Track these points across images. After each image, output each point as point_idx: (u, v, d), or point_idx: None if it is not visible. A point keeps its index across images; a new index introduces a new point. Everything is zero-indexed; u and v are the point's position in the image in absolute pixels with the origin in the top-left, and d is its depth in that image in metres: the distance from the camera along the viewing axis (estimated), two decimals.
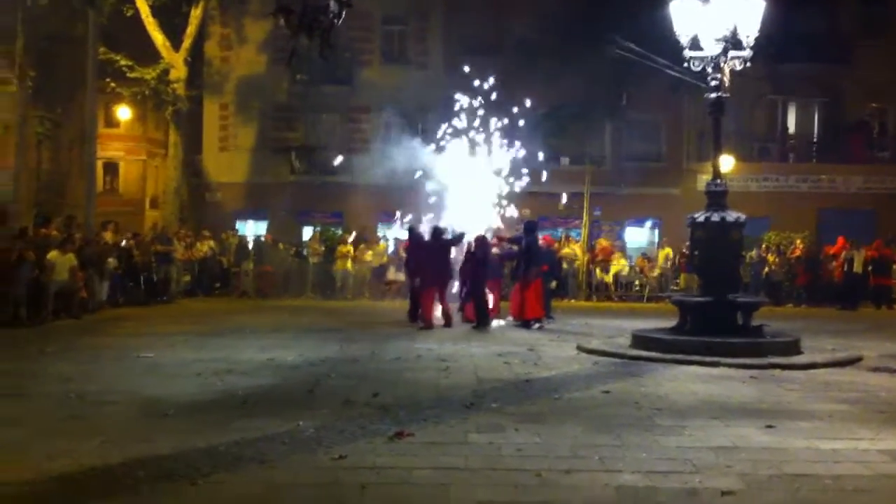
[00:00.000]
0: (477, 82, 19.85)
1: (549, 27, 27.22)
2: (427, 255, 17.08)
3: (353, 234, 26.65)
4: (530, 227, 17.82)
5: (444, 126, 19.91)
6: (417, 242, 17.60)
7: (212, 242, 26.14)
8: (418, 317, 16.96)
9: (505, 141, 19.88)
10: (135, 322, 17.36)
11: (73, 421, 7.72)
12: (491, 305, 17.72)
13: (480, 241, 17.47)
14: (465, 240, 17.61)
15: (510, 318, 17.59)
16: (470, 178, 19.18)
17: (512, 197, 20.21)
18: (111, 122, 36.46)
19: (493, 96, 19.84)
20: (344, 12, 19.19)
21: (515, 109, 20.06)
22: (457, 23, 30.67)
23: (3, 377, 10.22)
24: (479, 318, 16.88)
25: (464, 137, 19.68)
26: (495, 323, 17.30)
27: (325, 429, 7.40)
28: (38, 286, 17.15)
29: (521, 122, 20.24)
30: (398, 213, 20.93)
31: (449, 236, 17.34)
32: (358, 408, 8.34)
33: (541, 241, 18.45)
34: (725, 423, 7.84)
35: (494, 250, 18.41)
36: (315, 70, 26.04)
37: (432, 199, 19.43)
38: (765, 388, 9.90)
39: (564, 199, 22.87)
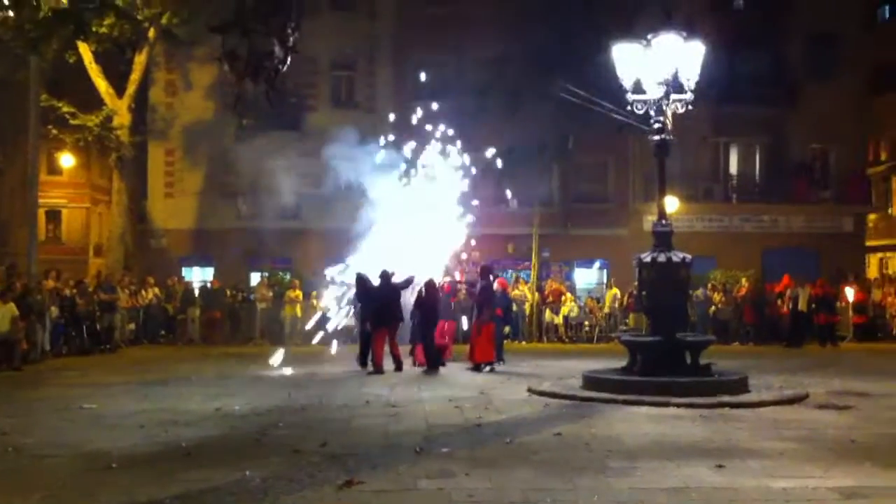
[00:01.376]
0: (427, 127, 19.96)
1: (498, 72, 27.48)
2: (376, 299, 16.99)
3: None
4: (486, 271, 17.85)
5: (393, 169, 19.92)
6: (365, 287, 17.50)
7: (157, 289, 25.74)
8: (367, 361, 16.81)
9: (454, 183, 19.95)
10: (77, 372, 16.96)
11: (12, 475, 7.49)
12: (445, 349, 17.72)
13: (430, 285, 17.44)
14: (415, 283, 17.58)
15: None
16: (420, 221, 19.15)
17: (462, 239, 20.23)
18: (54, 169, 35.99)
19: (441, 140, 19.93)
20: (290, 58, 19.19)
21: (458, 150, 20.17)
22: (405, 67, 30.84)
23: None
24: (430, 362, 16.79)
25: (414, 180, 19.71)
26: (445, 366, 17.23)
27: (273, 479, 7.27)
28: None
29: (470, 165, 20.33)
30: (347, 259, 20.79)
31: (398, 280, 17.30)
32: (307, 456, 8.21)
33: (496, 285, 18.49)
34: (677, 463, 7.84)
35: (461, 294, 18.50)
36: (262, 115, 25.96)
37: (381, 243, 19.34)
38: (714, 427, 9.94)
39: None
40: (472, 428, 9.93)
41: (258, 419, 10.63)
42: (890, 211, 39.42)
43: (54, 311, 20.27)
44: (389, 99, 30.49)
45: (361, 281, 17.72)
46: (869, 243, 35.25)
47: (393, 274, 17.28)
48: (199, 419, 10.59)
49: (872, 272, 36.01)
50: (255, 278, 29.38)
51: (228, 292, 26.46)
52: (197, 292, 26.72)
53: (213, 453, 8.47)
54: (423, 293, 17.37)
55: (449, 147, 19.99)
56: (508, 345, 20.90)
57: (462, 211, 20.01)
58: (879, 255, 39.45)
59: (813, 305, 24.65)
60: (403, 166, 19.95)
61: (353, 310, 19.65)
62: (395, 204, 19.27)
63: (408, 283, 17.49)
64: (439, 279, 18.74)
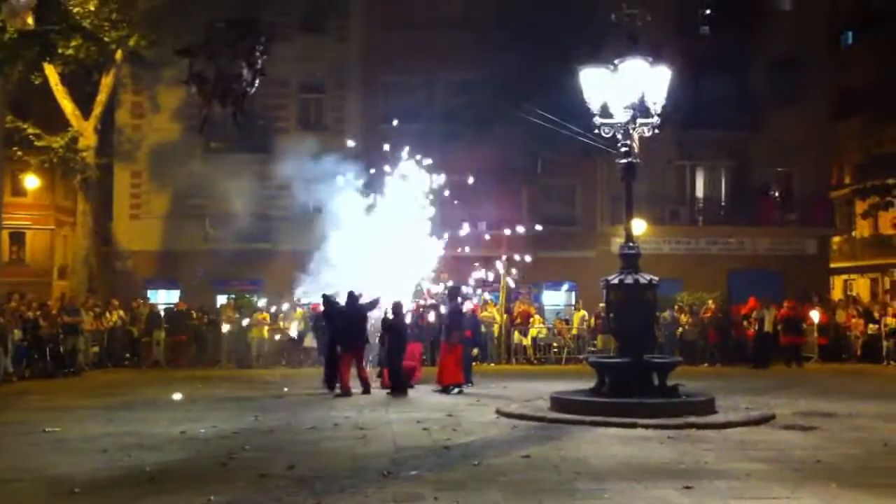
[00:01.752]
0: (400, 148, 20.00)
1: (467, 96, 27.61)
2: (342, 320, 16.93)
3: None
4: (453, 293, 17.85)
5: (361, 191, 19.92)
6: (332, 309, 17.43)
7: (121, 312, 25.44)
8: (335, 383, 16.71)
9: (423, 206, 19.97)
10: (40, 396, 16.70)
11: None
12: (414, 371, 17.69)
13: (397, 307, 17.40)
14: (381, 304, 17.54)
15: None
16: (389, 243, 19.13)
17: (431, 262, 20.23)
18: (18, 190, 35.66)
19: (409, 162, 19.96)
20: (258, 80, 19.11)
21: (428, 174, 20.21)
22: (374, 91, 30.92)
23: None
24: (396, 385, 16.73)
25: (381, 202, 19.72)
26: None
27: (238, 503, 7.17)
28: None
29: (439, 188, 20.38)
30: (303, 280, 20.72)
31: (364, 301, 17.26)
32: (273, 480, 8.12)
33: (465, 308, 18.48)
34: (644, 485, 7.84)
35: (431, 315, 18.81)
36: (230, 137, 25.85)
37: (349, 265, 19.28)
38: (682, 448, 9.96)
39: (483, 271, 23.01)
40: (440, 450, 9.89)
41: (224, 442, 10.51)
42: (853, 233, 39.95)
43: (17, 333, 20.02)
44: (358, 122, 30.54)
45: (328, 303, 17.65)
46: (833, 265, 35.67)
47: (360, 295, 17.24)
48: (164, 443, 10.46)
49: (837, 294, 36.45)
50: (221, 300, 29.16)
51: (194, 315, 26.21)
52: (162, 315, 26.45)
53: (177, 478, 8.36)
54: (392, 316, 17.32)
55: (417, 170, 20.01)
56: (477, 367, 20.86)
57: (431, 232, 20.04)
58: (844, 276, 39.94)
59: (779, 326, 24.86)
60: (371, 190, 19.94)
61: (317, 331, 19.56)
62: (362, 225, 19.25)
63: (373, 304, 17.45)
64: (407, 301, 18.70)
